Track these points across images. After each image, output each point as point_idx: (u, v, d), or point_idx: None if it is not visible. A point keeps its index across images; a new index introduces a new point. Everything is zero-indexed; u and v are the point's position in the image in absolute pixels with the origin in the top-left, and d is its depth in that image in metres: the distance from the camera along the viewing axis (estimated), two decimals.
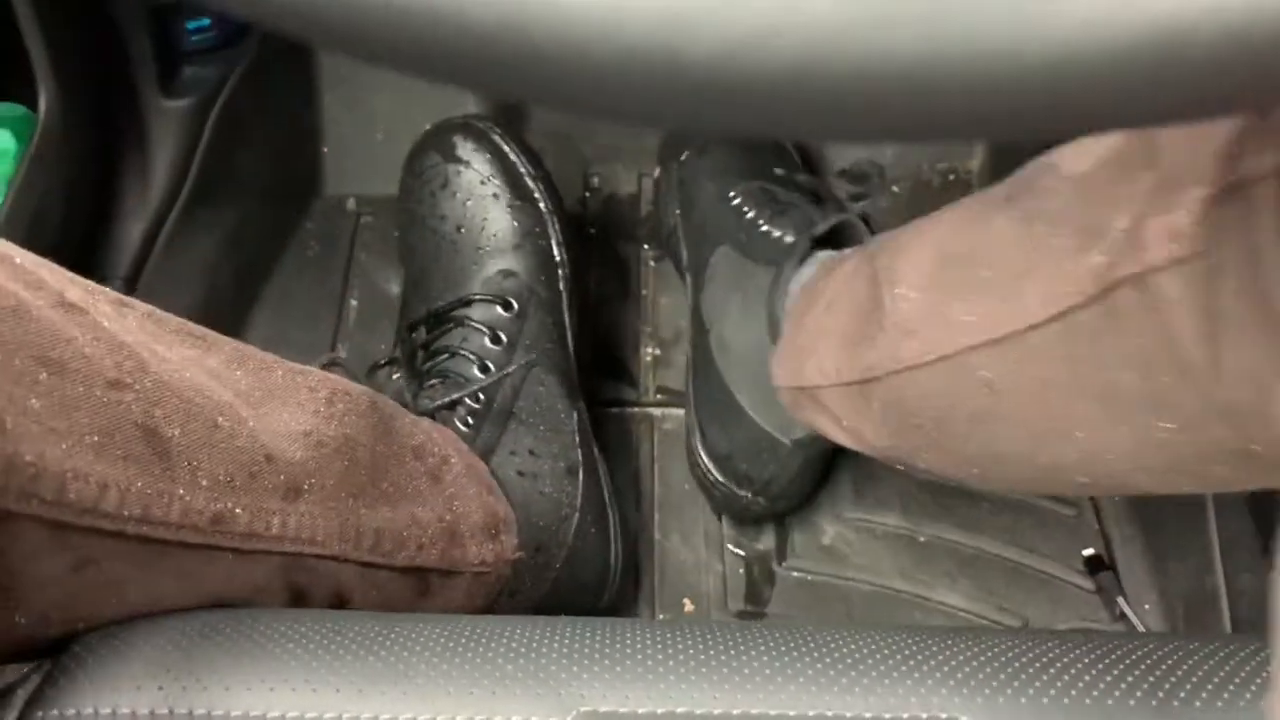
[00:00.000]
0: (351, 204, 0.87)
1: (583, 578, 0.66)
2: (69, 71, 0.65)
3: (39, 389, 0.32)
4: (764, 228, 0.70)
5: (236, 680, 0.33)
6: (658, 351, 0.81)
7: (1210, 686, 0.34)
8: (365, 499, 0.45)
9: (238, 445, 0.39)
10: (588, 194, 0.88)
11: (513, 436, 0.64)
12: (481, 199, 0.70)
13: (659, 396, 0.79)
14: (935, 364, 0.48)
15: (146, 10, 0.69)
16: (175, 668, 0.33)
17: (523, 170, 0.71)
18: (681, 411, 0.77)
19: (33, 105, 0.66)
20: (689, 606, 0.71)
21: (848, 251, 0.62)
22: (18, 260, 0.35)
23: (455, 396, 0.63)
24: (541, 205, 0.71)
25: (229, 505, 0.38)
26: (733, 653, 0.36)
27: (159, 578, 0.37)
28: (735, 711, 0.34)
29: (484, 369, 0.65)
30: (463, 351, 0.65)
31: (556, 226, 0.71)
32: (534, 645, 0.35)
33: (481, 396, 0.63)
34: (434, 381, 0.65)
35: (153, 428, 0.36)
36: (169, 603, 0.38)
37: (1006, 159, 0.86)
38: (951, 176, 0.89)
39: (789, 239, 0.68)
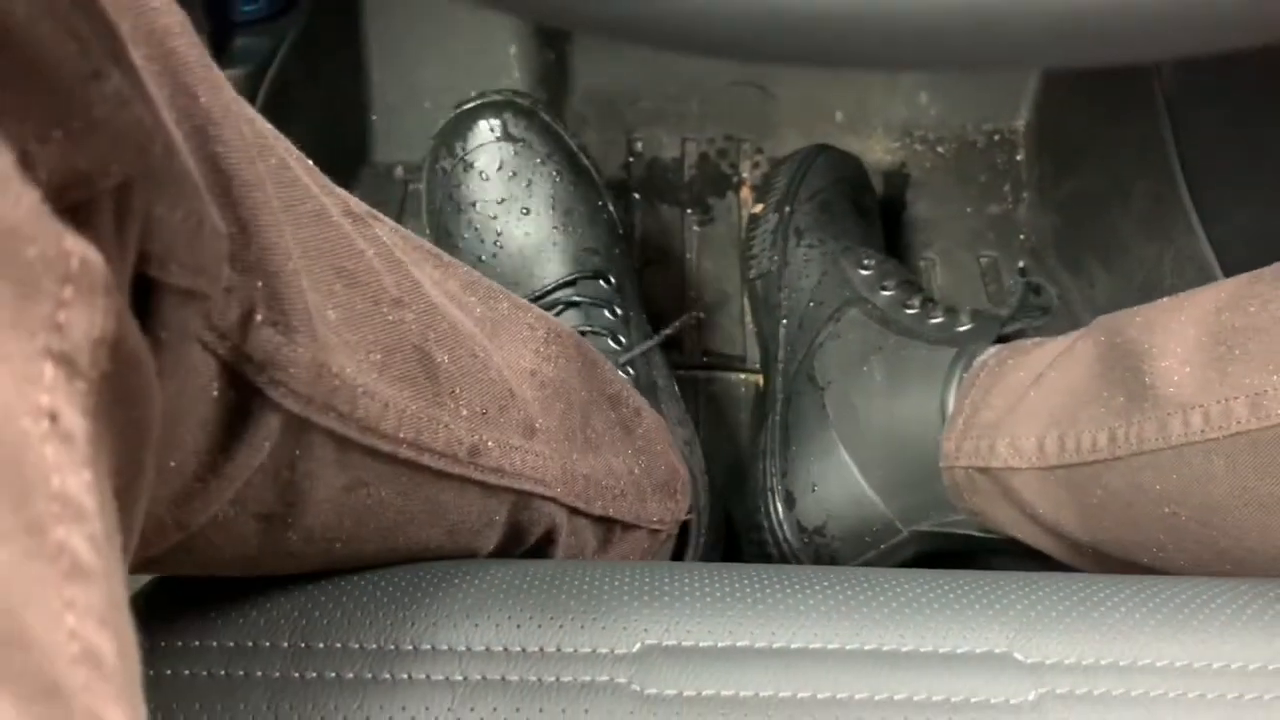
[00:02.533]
0: (400, 172, 0.88)
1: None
2: None
3: (335, 299, 0.31)
4: (912, 309, 0.66)
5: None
6: (702, 315, 0.81)
7: (1243, 616, 0.35)
8: (575, 444, 0.44)
9: (490, 377, 0.38)
10: (631, 159, 0.89)
11: (663, 410, 0.62)
12: (545, 178, 0.67)
13: (704, 359, 0.80)
14: (1225, 440, 0.42)
15: None
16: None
17: (571, 143, 0.70)
18: (730, 375, 0.77)
19: None
20: None
21: (1063, 338, 0.56)
22: (309, 162, 0.32)
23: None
24: (595, 175, 0.70)
25: (483, 438, 0.37)
26: (788, 591, 0.37)
27: (414, 505, 0.36)
28: (793, 646, 0.35)
29: (617, 343, 0.63)
30: (592, 329, 0.62)
31: (609, 194, 0.71)
32: (599, 585, 0.36)
33: (631, 371, 0.61)
34: None
35: (427, 351, 0.35)
36: (413, 531, 0.37)
37: (1052, 120, 0.86)
38: (996, 137, 0.89)
39: (936, 319, 0.64)
